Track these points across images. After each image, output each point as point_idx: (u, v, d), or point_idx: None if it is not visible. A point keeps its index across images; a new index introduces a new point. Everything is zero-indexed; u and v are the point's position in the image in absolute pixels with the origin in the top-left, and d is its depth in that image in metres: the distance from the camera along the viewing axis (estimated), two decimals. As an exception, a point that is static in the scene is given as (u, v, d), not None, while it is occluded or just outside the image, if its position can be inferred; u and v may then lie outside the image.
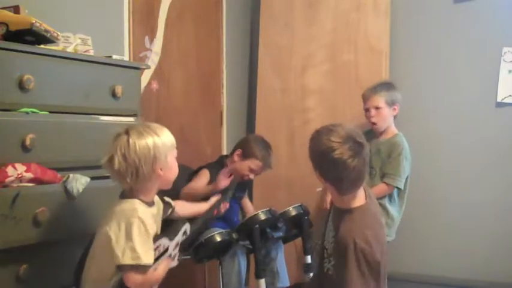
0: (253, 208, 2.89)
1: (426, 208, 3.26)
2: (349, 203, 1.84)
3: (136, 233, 1.60)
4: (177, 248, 1.81)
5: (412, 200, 2.93)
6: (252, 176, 2.68)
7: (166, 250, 1.73)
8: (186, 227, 1.85)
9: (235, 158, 2.67)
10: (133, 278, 1.60)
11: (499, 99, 3.15)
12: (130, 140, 1.63)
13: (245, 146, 2.68)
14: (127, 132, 1.66)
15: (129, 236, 1.59)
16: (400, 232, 2.89)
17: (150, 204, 1.75)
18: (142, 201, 1.70)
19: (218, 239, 2.37)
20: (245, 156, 2.64)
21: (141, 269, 1.61)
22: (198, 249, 2.37)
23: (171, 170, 1.74)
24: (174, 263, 1.81)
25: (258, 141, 2.73)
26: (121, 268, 1.60)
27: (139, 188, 1.69)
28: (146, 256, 1.61)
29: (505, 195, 3.12)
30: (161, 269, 1.71)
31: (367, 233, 1.76)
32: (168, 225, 1.85)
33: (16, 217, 1.60)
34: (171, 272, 1.78)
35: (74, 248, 1.82)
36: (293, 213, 2.60)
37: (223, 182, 2.46)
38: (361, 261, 1.71)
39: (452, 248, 3.21)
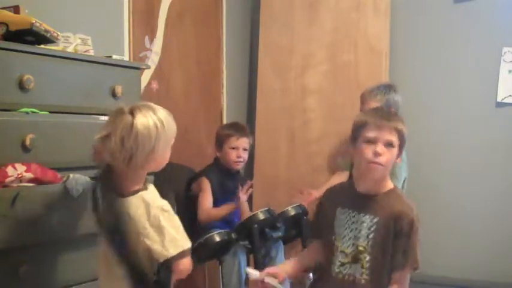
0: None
1: (426, 208, 3.23)
2: (387, 185, 1.92)
3: (163, 222, 1.54)
4: None
5: (412, 199, 2.92)
6: (243, 155, 2.69)
7: None
8: None
9: (218, 154, 2.74)
10: (183, 263, 1.56)
11: (499, 99, 3.16)
12: (134, 124, 1.50)
13: (215, 140, 2.76)
14: (132, 113, 1.52)
15: (160, 229, 1.53)
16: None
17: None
18: (142, 189, 1.61)
19: (217, 239, 2.36)
20: (220, 145, 2.71)
21: (186, 253, 1.57)
22: (197, 250, 2.37)
23: (162, 159, 1.64)
24: None
25: (220, 127, 2.93)
26: (168, 261, 1.54)
27: (128, 176, 1.58)
28: (184, 240, 1.57)
29: (505, 195, 3.12)
30: None
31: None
32: None
33: (16, 217, 1.60)
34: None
35: (74, 248, 1.82)
36: (292, 213, 2.61)
37: (243, 197, 2.58)
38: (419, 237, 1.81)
39: (452, 248, 3.21)
